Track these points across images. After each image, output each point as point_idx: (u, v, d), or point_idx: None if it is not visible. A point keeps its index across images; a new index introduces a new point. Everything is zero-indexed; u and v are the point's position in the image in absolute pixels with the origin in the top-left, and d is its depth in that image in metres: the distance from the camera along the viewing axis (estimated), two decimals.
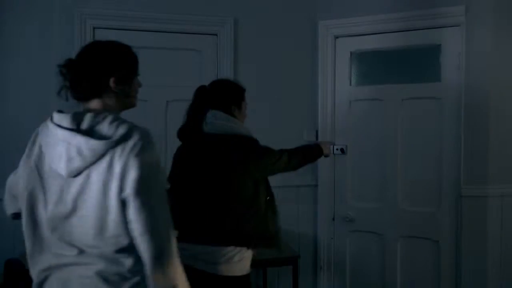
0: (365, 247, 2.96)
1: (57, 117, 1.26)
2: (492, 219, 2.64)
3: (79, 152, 1.17)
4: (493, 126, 2.63)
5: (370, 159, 2.94)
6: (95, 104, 1.30)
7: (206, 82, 2.92)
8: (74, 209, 1.21)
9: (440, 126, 2.76)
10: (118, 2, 2.73)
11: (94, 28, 2.69)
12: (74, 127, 1.20)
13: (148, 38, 2.79)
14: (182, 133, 1.94)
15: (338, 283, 3.04)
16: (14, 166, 2.73)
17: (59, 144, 1.20)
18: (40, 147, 1.28)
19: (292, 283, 2.42)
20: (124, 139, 1.18)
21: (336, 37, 3.01)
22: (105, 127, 1.20)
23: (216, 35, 2.91)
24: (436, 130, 2.77)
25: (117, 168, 1.16)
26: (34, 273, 1.30)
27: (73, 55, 2.76)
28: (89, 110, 1.27)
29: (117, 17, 2.71)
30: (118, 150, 1.17)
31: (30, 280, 1.86)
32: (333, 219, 3.04)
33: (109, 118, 1.21)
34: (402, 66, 2.91)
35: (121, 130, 1.19)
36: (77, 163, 1.17)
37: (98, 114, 1.23)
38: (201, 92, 1.94)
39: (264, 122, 3.01)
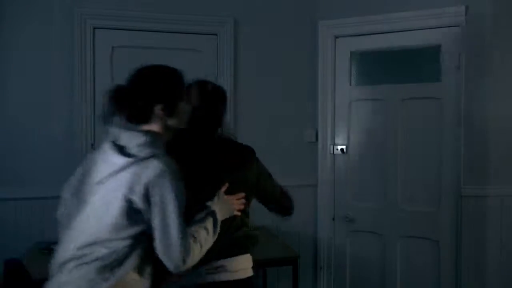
0: (365, 247, 2.96)
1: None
2: (492, 219, 2.64)
3: (108, 163, 1.36)
4: (493, 126, 2.63)
5: (370, 159, 2.94)
6: (145, 127, 1.40)
7: None
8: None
9: (440, 126, 2.76)
10: (118, 2, 2.73)
11: (94, 28, 2.69)
12: (112, 140, 1.39)
13: (148, 38, 2.79)
14: (194, 136, 1.62)
15: (338, 283, 3.04)
16: (14, 166, 2.74)
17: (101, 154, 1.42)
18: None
19: (292, 283, 2.42)
20: (144, 159, 1.32)
21: (336, 37, 3.01)
22: (133, 148, 1.34)
23: (216, 35, 2.91)
24: (436, 130, 2.77)
25: (130, 180, 1.31)
26: None
27: (73, 55, 2.76)
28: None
29: (117, 17, 2.71)
30: (136, 167, 1.32)
31: (30, 280, 1.87)
32: (333, 219, 3.04)
33: (141, 141, 1.35)
34: (402, 66, 2.91)
35: (143, 154, 1.33)
36: (104, 172, 1.35)
37: (134, 135, 1.37)
38: (223, 95, 1.73)
39: (264, 122, 3.02)
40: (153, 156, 1.33)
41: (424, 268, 2.83)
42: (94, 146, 2.67)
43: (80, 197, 1.41)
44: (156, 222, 1.31)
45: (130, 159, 1.33)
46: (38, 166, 2.62)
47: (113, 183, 1.33)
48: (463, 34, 2.65)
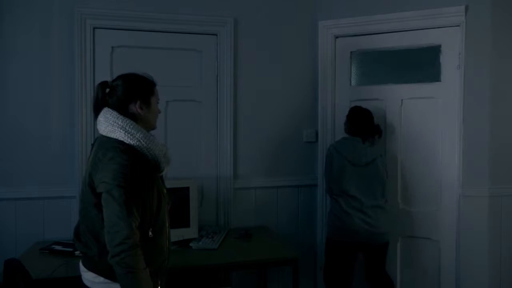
0: None
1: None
2: (492, 219, 2.64)
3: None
4: (492, 126, 2.63)
5: None
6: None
7: (206, 81, 2.93)
8: None
9: (440, 126, 2.76)
10: (118, 2, 2.73)
11: (94, 28, 2.69)
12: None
13: (148, 38, 2.79)
14: None
15: None
16: (14, 166, 2.74)
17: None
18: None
19: (292, 283, 2.42)
20: None
21: (336, 37, 3.01)
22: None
23: (216, 35, 2.91)
24: (436, 130, 2.77)
25: None
26: None
27: (73, 55, 2.76)
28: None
29: (117, 17, 2.71)
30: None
31: (30, 280, 1.87)
32: None
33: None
34: (402, 66, 2.91)
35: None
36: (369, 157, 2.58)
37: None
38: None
39: (264, 122, 3.02)
40: None
41: (424, 268, 2.83)
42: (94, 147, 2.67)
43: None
44: None
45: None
46: (38, 166, 2.62)
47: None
48: (463, 34, 2.65)
